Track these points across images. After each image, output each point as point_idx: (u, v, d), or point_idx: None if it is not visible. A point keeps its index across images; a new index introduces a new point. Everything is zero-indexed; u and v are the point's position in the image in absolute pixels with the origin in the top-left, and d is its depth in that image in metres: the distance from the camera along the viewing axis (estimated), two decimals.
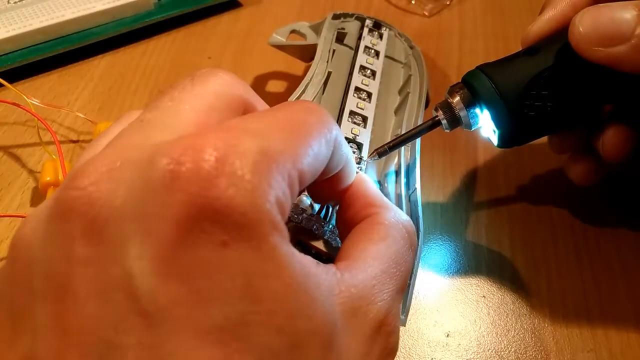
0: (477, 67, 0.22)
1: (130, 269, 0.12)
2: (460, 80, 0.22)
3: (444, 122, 0.22)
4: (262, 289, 0.12)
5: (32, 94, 0.31)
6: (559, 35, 0.22)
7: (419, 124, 0.28)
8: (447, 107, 0.22)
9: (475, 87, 0.21)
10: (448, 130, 0.23)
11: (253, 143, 0.13)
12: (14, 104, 0.30)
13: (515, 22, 0.40)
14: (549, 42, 0.22)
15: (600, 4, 0.21)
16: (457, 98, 0.22)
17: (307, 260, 0.14)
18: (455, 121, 0.22)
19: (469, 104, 0.22)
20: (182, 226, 0.12)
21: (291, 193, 0.13)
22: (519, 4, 0.42)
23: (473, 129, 0.23)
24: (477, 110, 0.22)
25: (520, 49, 0.23)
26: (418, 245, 0.22)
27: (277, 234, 0.12)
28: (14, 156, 0.30)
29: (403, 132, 0.27)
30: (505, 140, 0.22)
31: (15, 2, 0.36)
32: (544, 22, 0.23)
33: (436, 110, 0.23)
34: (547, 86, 0.21)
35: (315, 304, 0.13)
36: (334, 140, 0.15)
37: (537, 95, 0.21)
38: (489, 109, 0.21)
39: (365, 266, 0.15)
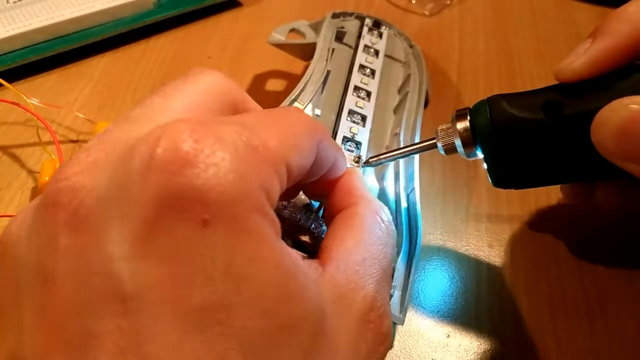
0: (491, 100, 0.20)
1: (110, 253, 0.11)
2: (468, 107, 0.21)
3: (441, 147, 0.21)
4: (245, 270, 0.12)
5: (31, 94, 0.31)
6: (589, 105, 0.18)
7: (418, 124, 0.28)
8: (447, 136, 0.21)
9: (476, 126, 0.20)
10: (444, 155, 0.22)
11: (234, 129, 0.13)
12: (13, 103, 0.30)
13: (516, 21, 0.40)
14: (575, 106, 0.19)
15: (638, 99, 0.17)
16: (458, 128, 0.20)
17: (294, 252, 0.14)
18: (452, 150, 0.21)
19: (468, 141, 0.20)
20: (161, 205, 0.11)
21: (279, 182, 0.13)
22: (519, 3, 0.42)
23: (471, 159, 0.21)
24: (477, 151, 0.21)
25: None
26: (417, 244, 0.22)
27: (261, 217, 0.12)
28: (13, 156, 0.30)
29: (402, 131, 0.27)
30: (498, 185, 0.21)
31: (14, 2, 0.36)
32: (586, 62, 0.19)
33: (436, 134, 0.22)
34: (553, 157, 0.20)
35: (303, 290, 0.13)
36: (319, 141, 0.16)
37: (538, 163, 0.20)
38: (483, 154, 0.21)
39: (346, 255, 0.15)
